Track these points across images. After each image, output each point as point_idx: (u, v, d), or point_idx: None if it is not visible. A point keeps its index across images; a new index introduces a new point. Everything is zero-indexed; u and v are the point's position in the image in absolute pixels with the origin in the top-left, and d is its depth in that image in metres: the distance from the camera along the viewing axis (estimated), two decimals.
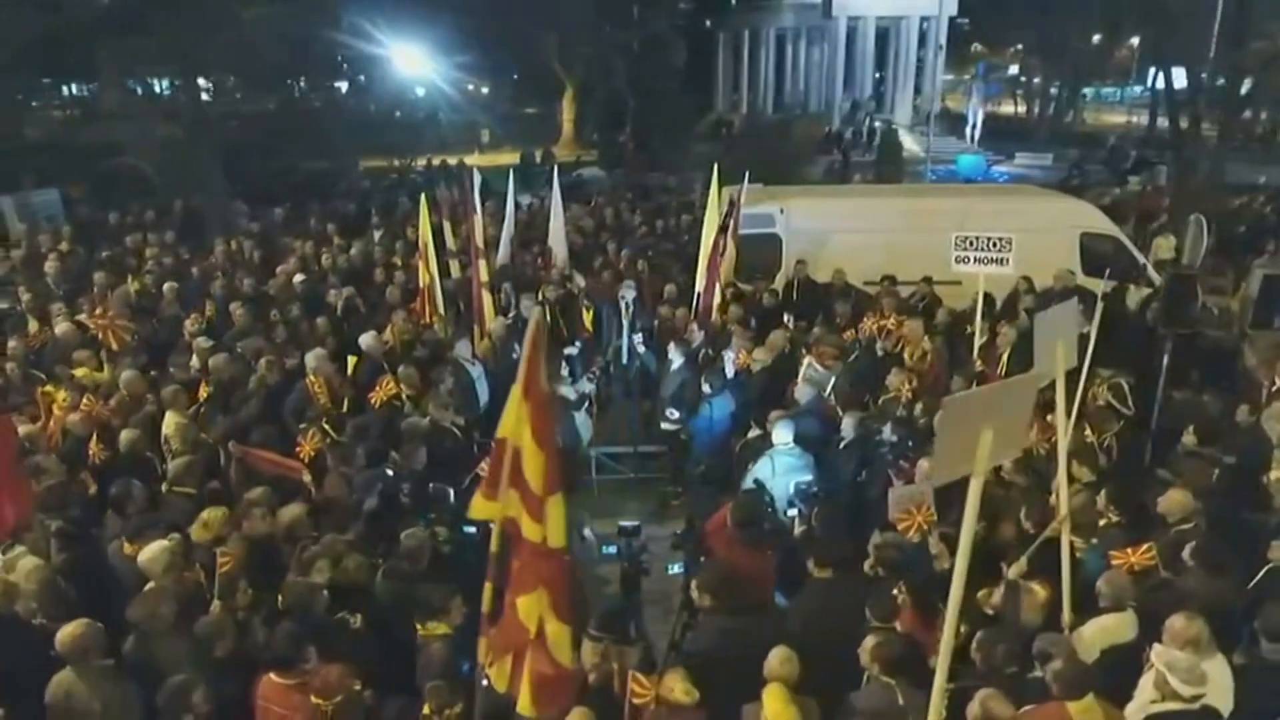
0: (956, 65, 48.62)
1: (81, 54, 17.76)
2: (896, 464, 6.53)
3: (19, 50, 15.44)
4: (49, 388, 8.29)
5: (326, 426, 7.27)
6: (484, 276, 9.84)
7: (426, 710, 4.26)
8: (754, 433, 7.68)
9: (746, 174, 11.84)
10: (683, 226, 15.31)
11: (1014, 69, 52.99)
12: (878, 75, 43.09)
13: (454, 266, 11.66)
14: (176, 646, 4.70)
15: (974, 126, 36.76)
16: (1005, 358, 8.97)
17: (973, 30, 42.22)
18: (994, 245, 8.86)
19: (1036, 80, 46.67)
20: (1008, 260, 8.90)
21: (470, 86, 42.09)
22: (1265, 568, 5.50)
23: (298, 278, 11.45)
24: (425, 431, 7.19)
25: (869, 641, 4.44)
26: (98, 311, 9.27)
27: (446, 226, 11.75)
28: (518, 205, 14.41)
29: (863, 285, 11.53)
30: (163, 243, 13.70)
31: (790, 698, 4.08)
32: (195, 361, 8.81)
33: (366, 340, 8.98)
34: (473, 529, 5.52)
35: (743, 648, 4.48)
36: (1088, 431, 7.45)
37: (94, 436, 7.38)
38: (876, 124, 36.32)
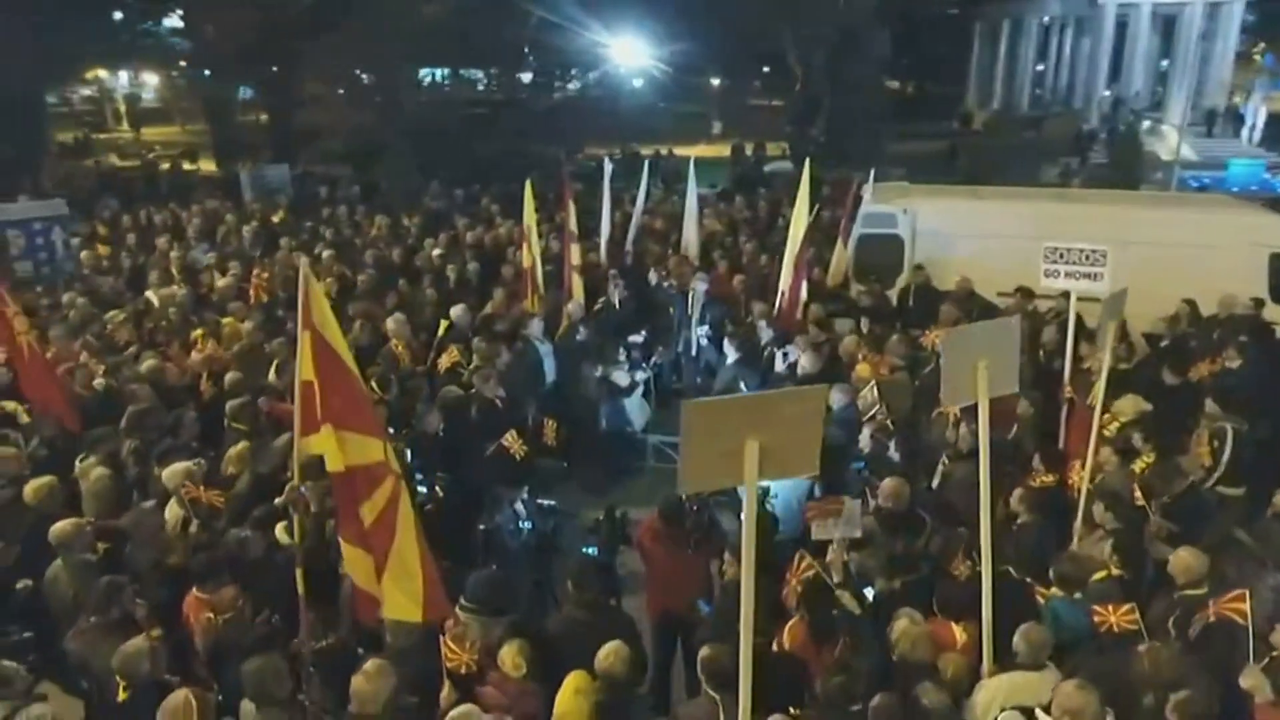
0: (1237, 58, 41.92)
1: (307, 46, 20.36)
2: (870, 480, 6.12)
3: (254, 43, 18.08)
4: (199, 331, 9.78)
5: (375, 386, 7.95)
6: (575, 260, 10.22)
7: None
8: None
9: (872, 172, 11.26)
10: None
11: None
12: (1163, 65, 38.47)
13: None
14: (145, 553, 5.53)
15: (1253, 128, 31.75)
16: (1099, 388, 7.95)
17: (1260, 20, 36.34)
18: (1087, 258, 7.86)
19: None
20: (1102, 276, 7.86)
21: (706, 79, 42.74)
22: None
23: (436, 252, 12.47)
24: (455, 399, 7.69)
25: (704, 651, 4.32)
26: (255, 270, 10.70)
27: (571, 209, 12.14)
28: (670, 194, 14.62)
29: (996, 296, 10.63)
30: (350, 216, 15.43)
31: (585, 689, 4.09)
32: None
33: (455, 311, 9.69)
34: (422, 488, 5.93)
35: (585, 637, 4.51)
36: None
37: (206, 375, 8.65)
38: (1143, 123, 32.46)
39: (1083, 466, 6.42)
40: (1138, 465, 6.75)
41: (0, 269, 11.19)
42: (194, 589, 5.05)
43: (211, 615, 4.83)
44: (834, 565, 4.98)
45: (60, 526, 5.40)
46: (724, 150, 33.09)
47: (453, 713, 3.85)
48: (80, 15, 25.41)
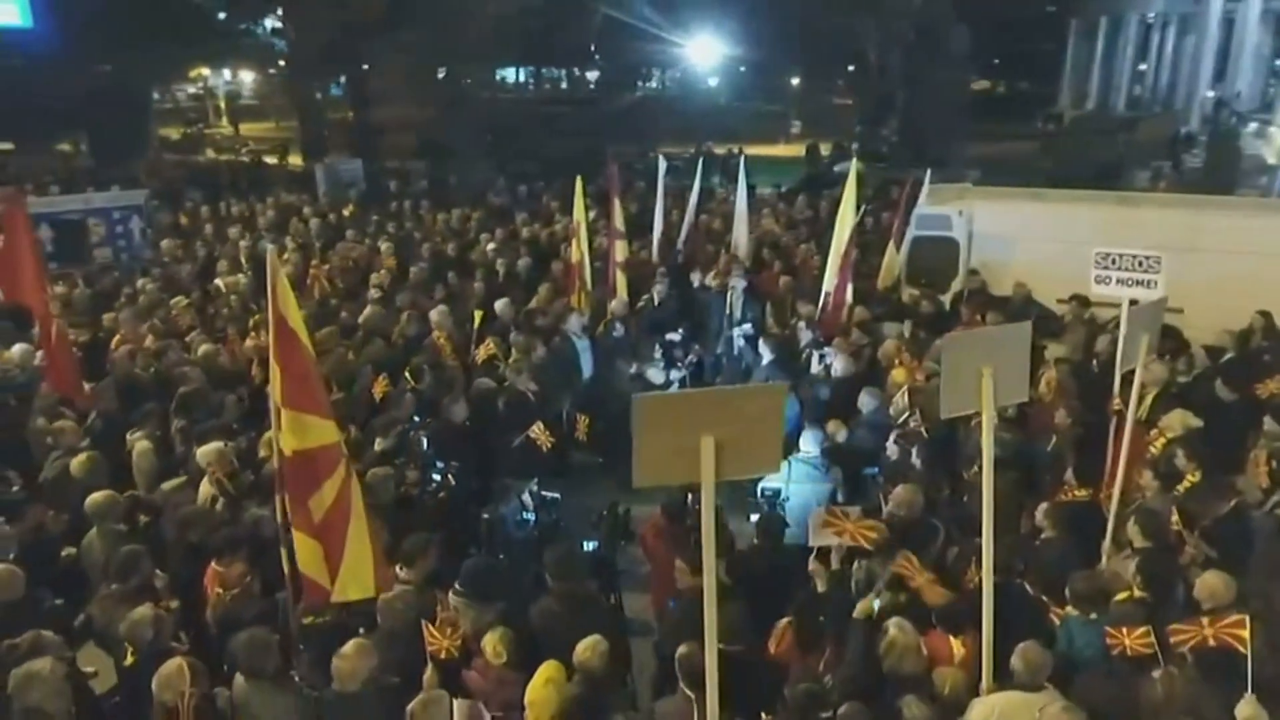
0: None
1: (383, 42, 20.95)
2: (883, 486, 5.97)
3: (336, 41, 18.73)
4: (256, 318, 10.18)
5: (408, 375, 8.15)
6: (619, 257, 10.27)
7: None
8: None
9: (929, 172, 10.98)
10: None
11: None
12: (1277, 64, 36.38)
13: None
14: (172, 527, 5.80)
15: None
16: (1150, 400, 7.58)
17: None
18: (1140, 264, 7.48)
19: None
20: (1155, 283, 7.47)
21: (787, 78, 42.33)
22: None
23: (490, 246, 12.70)
24: (484, 390, 7.83)
25: (681, 649, 4.29)
26: (314, 262, 11.09)
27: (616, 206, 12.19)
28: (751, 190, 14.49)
29: (1055, 304, 10.24)
30: (415, 210, 15.83)
31: (556, 679, 4.12)
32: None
33: (499, 305, 9.86)
34: (437, 475, 6.06)
35: (562, 628, 4.54)
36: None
37: (255, 361, 9.00)
38: (1249, 125, 30.77)
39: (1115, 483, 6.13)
40: (1183, 485, 6.42)
41: (82, 254, 11.88)
42: (213, 564, 5.28)
43: (220, 590, 5.03)
44: (817, 574, 4.87)
45: (94, 497, 5.71)
46: (799, 150, 32.73)
47: (421, 696, 3.92)
48: (187, 17, 26.87)
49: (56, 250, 11.70)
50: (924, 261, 10.92)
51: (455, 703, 4.07)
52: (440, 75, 22.80)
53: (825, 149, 30.22)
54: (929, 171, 10.98)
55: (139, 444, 7.06)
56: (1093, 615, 5.04)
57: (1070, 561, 5.60)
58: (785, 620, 4.84)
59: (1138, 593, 5.25)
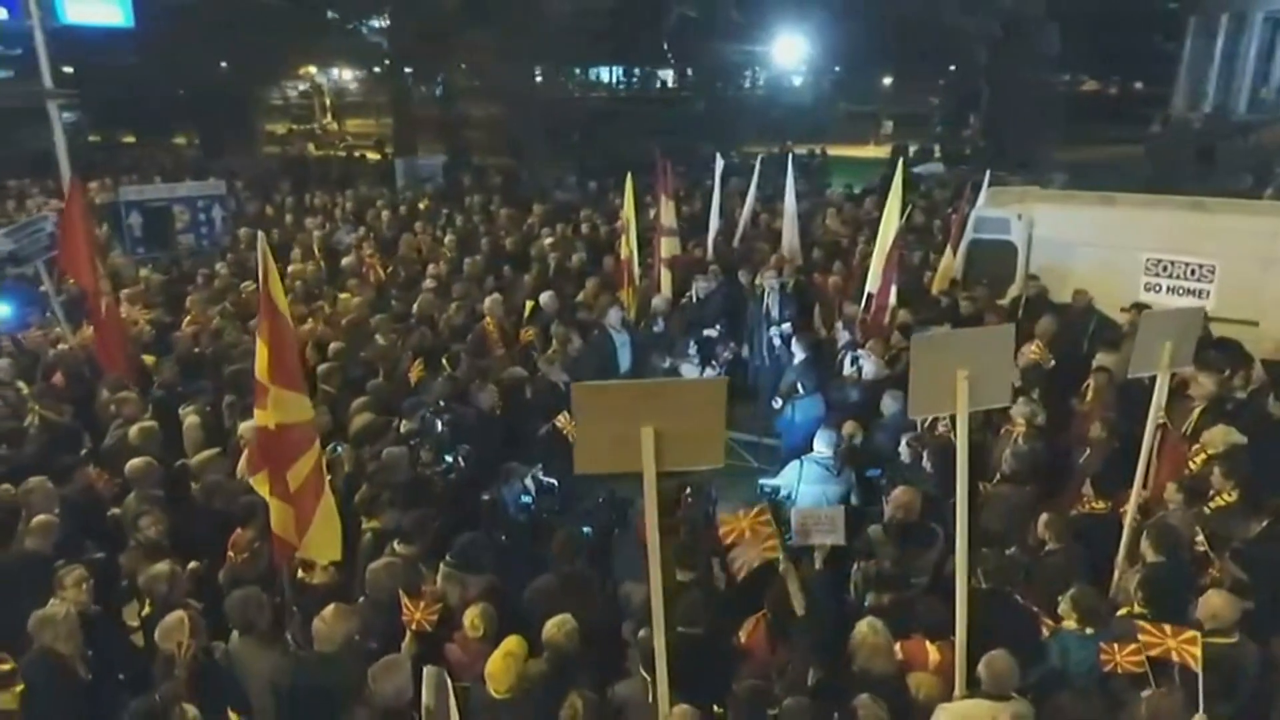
0: None
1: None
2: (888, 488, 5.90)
3: (423, 40, 19.34)
4: (319, 303, 10.71)
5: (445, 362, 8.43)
6: (664, 254, 10.36)
7: None
8: None
9: (988, 174, 10.71)
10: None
11: None
12: None
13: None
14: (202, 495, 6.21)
15: None
16: (1196, 415, 7.22)
17: None
18: (1192, 273, 7.16)
19: None
20: (1207, 293, 7.15)
21: (879, 79, 41.54)
22: None
23: (548, 241, 12.98)
24: (513, 379, 8.05)
25: (641, 633, 4.38)
26: (369, 251, 11.58)
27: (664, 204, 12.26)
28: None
29: (1119, 313, 9.84)
30: (485, 205, 16.28)
31: (517, 652, 4.27)
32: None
33: (544, 298, 10.10)
34: (449, 457, 6.30)
35: (557, 608, 4.68)
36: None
37: (313, 343, 9.47)
38: None
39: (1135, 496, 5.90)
40: (1215, 503, 6.12)
41: (167, 240, 12.72)
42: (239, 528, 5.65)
43: (232, 554, 5.38)
44: (788, 574, 4.86)
45: (133, 463, 6.17)
46: (885, 151, 32.08)
47: (383, 659, 4.12)
48: (297, 17, 28.19)
49: (144, 236, 12.56)
50: (980, 265, 10.63)
51: (425, 669, 4.26)
52: (527, 74, 23.34)
53: (913, 149, 29.57)
54: (988, 174, 10.63)
55: (189, 418, 7.56)
56: (1089, 630, 4.89)
57: (1073, 575, 5.43)
58: (759, 614, 4.86)
59: (1138, 608, 5.08)
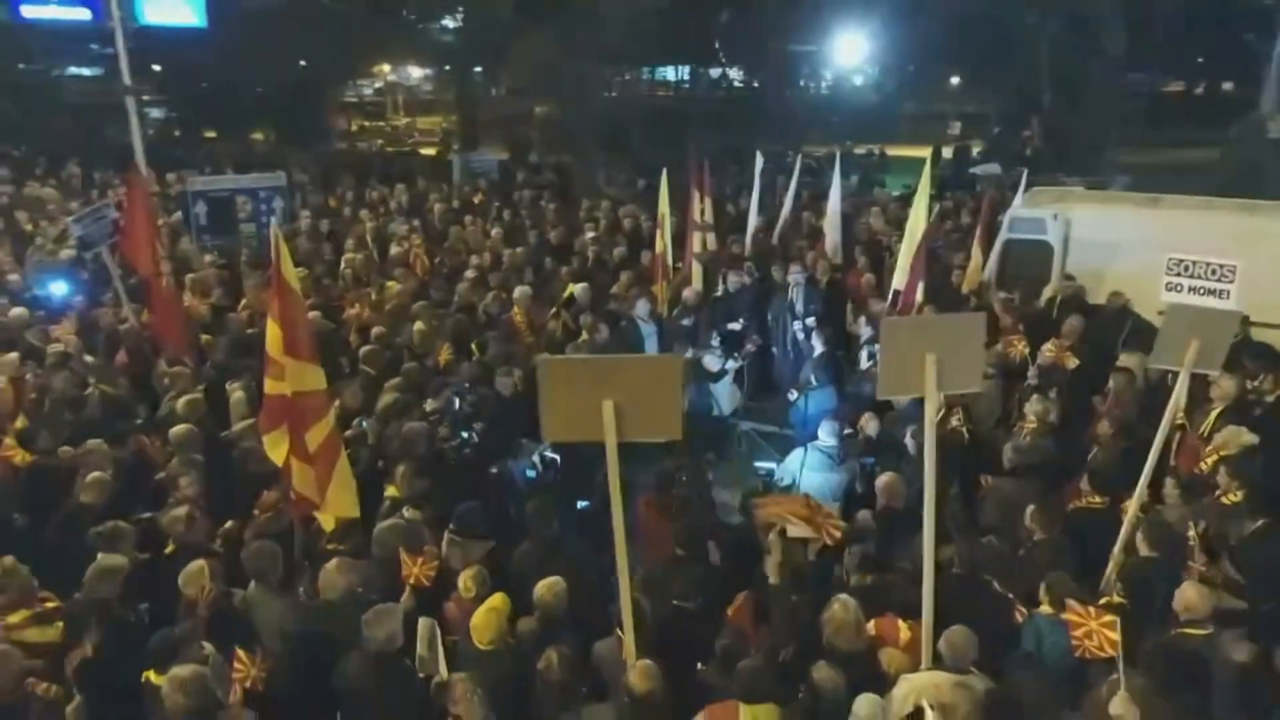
0: None
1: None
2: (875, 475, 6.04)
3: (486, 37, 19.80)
4: (367, 290, 11.23)
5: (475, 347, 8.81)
6: (696, 249, 10.59)
7: None
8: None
9: (1026, 174, 10.64)
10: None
11: None
12: None
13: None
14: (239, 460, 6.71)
15: None
16: (1213, 416, 7.15)
17: None
18: (1213, 273, 7.09)
19: None
20: (1229, 293, 7.06)
21: (946, 79, 40.86)
22: None
23: (589, 235, 13.33)
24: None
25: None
26: (416, 241, 12.08)
27: (707, 203, 12.41)
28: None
29: (1157, 316, 9.69)
30: (536, 200, 16.72)
31: (499, 609, 4.58)
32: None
33: (577, 289, 10.42)
34: (465, 434, 6.66)
35: (537, 572, 5.00)
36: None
37: (356, 328, 9.98)
38: None
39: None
40: (1223, 501, 6.10)
41: (230, 228, 13.46)
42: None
43: (258, 511, 5.83)
44: (770, 567, 5.06)
45: (176, 429, 6.69)
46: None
47: (375, 607, 4.48)
48: (372, 17, 29.21)
49: (209, 224, 13.30)
50: (1015, 266, 10.56)
51: (420, 620, 4.60)
52: (587, 72, 23.77)
53: (975, 149, 29.11)
54: (1025, 174, 10.55)
55: (235, 393, 8.12)
56: (1063, 615, 4.98)
57: (1058, 565, 5.50)
58: (745, 591, 5.08)
59: (1117, 598, 5.14)
